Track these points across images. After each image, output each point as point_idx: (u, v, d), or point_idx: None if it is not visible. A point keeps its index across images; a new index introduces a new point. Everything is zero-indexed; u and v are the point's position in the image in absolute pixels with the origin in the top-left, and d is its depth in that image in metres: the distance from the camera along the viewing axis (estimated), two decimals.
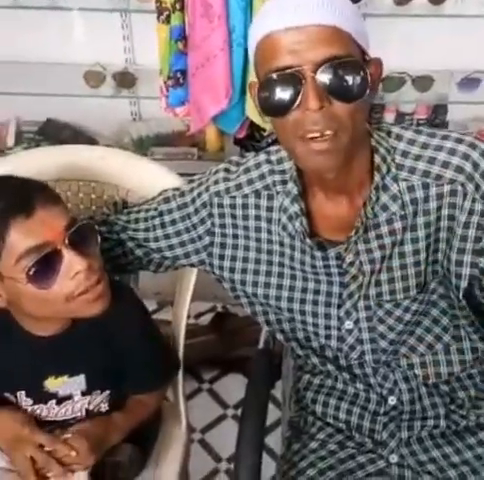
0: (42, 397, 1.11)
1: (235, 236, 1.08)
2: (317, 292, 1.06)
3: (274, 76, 0.86)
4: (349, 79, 0.86)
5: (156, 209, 1.12)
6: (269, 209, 1.05)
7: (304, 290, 1.06)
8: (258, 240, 1.07)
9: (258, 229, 1.06)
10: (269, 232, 1.06)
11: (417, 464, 1.10)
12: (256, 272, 1.08)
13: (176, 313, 1.31)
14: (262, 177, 1.05)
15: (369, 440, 1.13)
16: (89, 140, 2.30)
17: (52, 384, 1.10)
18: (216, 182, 1.08)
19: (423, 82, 2.17)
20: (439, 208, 0.96)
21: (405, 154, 0.97)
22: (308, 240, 1.00)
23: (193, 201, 1.10)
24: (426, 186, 0.96)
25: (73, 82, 2.13)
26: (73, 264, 0.94)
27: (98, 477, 1.11)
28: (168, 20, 1.80)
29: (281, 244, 1.05)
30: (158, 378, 1.21)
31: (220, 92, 1.77)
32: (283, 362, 1.39)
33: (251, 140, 2.06)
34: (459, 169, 0.94)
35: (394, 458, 1.11)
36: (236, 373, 2.10)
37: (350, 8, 0.89)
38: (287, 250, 1.05)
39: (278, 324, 1.13)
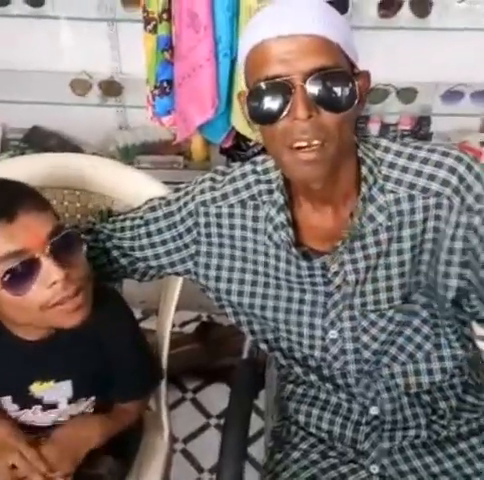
0: (27, 402, 1.10)
1: (221, 245, 1.08)
2: (302, 302, 1.06)
3: (263, 85, 0.87)
4: (338, 90, 0.87)
5: (142, 218, 1.12)
6: (255, 219, 1.05)
7: (289, 300, 1.07)
8: (244, 250, 1.07)
9: (244, 239, 1.07)
10: (255, 242, 1.06)
11: (398, 474, 1.11)
12: (241, 282, 1.09)
13: (160, 322, 1.31)
14: (248, 187, 1.06)
15: (351, 450, 1.13)
16: (75, 148, 2.30)
17: (38, 389, 1.09)
18: (202, 191, 1.08)
19: (407, 94, 2.19)
20: (425, 220, 0.97)
21: (392, 166, 0.98)
22: (294, 250, 1.01)
23: (179, 210, 1.10)
24: (412, 198, 0.96)
25: (59, 90, 2.13)
26: (51, 273, 0.93)
27: None
28: (155, 30, 1.81)
29: (267, 254, 1.05)
30: (142, 387, 1.21)
31: (206, 102, 1.78)
32: (267, 372, 1.39)
33: (237, 150, 2.07)
34: (445, 182, 0.95)
35: (375, 468, 1.11)
36: (220, 383, 2.10)
37: (341, 20, 0.90)
38: (272, 260, 1.05)
39: (262, 334, 1.13)
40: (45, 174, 1.23)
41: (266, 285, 1.08)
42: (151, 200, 1.15)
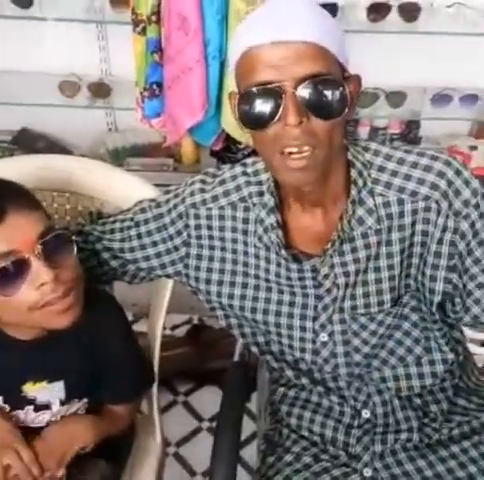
0: (19, 402, 1.09)
1: (211, 247, 1.08)
2: (292, 304, 1.06)
3: (255, 90, 0.87)
4: (329, 97, 0.86)
5: (132, 219, 1.12)
6: (245, 221, 1.05)
7: (279, 302, 1.07)
8: (234, 252, 1.07)
9: (234, 241, 1.06)
10: (245, 244, 1.06)
11: (391, 478, 1.10)
12: (232, 284, 1.08)
13: (152, 325, 1.30)
14: (238, 189, 1.05)
15: (343, 453, 1.13)
16: (64, 150, 2.29)
17: (30, 389, 1.08)
18: (192, 193, 1.08)
19: (396, 98, 2.20)
20: (413, 223, 0.97)
21: (382, 169, 0.98)
22: (283, 252, 1.01)
23: (169, 212, 1.09)
24: (401, 202, 0.97)
25: (48, 92, 2.12)
26: (40, 274, 0.92)
27: None
28: (144, 32, 1.80)
29: (257, 256, 1.05)
30: (134, 388, 1.20)
31: (196, 105, 1.77)
32: (258, 375, 1.39)
33: (227, 152, 2.07)
34: (434, 186, 0.95)
35: (368, 472, 1.11)
36: (211, 386, 2.09)
37: (334, 25, 0.90)
38: (263, 262, 1.05)
39: (253, 337, 1.13)
40: (34, 176, 1.22)
41: (256, 288, 1.07)
42: (141, 202, 1.14)
